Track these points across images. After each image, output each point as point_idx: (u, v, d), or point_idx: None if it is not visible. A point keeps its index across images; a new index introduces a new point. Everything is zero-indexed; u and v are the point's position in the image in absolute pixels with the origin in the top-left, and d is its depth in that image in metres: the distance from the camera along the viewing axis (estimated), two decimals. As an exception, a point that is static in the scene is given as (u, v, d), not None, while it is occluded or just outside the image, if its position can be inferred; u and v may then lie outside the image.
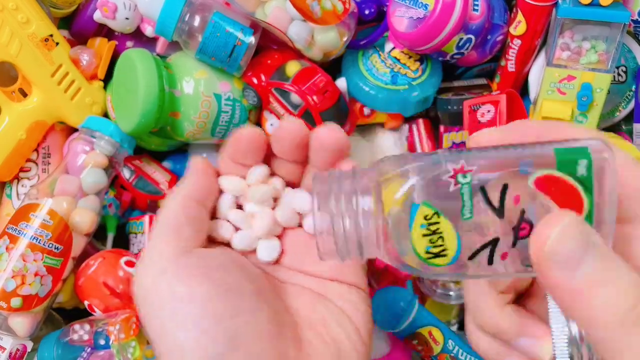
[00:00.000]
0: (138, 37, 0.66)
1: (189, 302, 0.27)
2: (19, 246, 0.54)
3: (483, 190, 0.21)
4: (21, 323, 0.55)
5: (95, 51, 0.63)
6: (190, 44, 0.56)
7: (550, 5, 0.57)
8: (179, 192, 0.31)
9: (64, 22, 0.67)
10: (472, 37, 0.57)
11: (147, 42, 0.65)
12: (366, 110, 0.64)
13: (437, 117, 0.66)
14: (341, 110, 0.57)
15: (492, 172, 0.21)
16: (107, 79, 0.64)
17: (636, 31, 0.60)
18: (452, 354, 0.52)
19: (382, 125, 0.67)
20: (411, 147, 0.67)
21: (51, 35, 0.59)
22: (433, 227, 0.21)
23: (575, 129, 0.24)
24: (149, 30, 0.63)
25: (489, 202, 0.21)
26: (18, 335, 0.55)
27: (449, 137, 0.66)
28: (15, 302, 0.53)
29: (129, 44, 0.66)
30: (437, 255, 0.22)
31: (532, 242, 0.20)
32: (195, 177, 0.31)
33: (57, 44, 0.60)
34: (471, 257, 0.22)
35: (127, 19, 0.62)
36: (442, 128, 0.66)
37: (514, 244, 0.21)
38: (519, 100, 0.61)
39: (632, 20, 0.58)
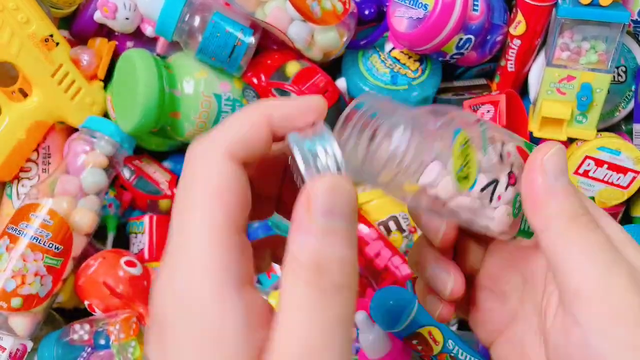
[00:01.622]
0: (138, 37, 0.66)
1: None
2: (19, 246, 0.54)
3: (491, 139, 0.27)
4: (21, 323, 0.55)
5: (95, 51, 0.63)
6: (190, 44, 0.56)
7: (550, 5, 0.57)
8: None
9: (64, 22, 0.67)
10: (472, 37, 0.57)
11: (147, 42, 0.65)
12: (366, 110, 0.64)
13: (437, 117, 0.66)
14: (341, 111, 0.57)
15: (494, 131, 0.27)
16: (108, 79, 0.64)
17: (636, 31, 0.60)
18: (452, 354, 0.52)
19: (382, 125, 0.67)
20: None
21: (51, 35, 0.59)
22: (466, 151, 0.25)
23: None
24: (149, 31, 0.63)
25: (494, 147, 0.27)
26: (18, 335, 0.55)
27: (448, 137, 0.66)
28: (16, 302, 0.53)
29: (129, 44, 0.66)
30: (464, 177, 0.26)
31: (534, 153, 0.26)
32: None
33: (57, 44, 0.60)
34: (483, 189, 0.26)
35: (127, 19, 0.61)
36: (442, 128, 0.66)
37: (506, 188, 0.26)
38: (519, 101, 0.61)
39: (632, 20, 0.58)
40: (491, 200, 0.27)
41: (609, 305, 0.23)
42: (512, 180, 0.27)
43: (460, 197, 0.26)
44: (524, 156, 0.27)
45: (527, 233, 0.28)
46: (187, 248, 0.22)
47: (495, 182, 0.26)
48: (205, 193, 0.22)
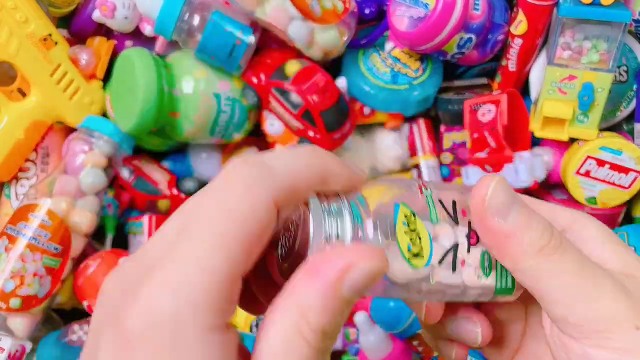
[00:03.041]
0: (137, 36, 0.65)
1: None
2: (17, 247, 0.54)
3: (440, 201, 0.25)
4: (20, 323, 0.55)
5: (94, 50, 0.63)
6: (190, 43, 0.56)
7: (551, 4, 0.57)
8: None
9: (63, 21, 0.66)
10: (473, 36, 0.57)
11: (147, 42, 0.65)
12: (366, 110, 0.64)
13: (438, 117, 0.66)
14: (341, 110, 0.57)
15: (443, 192, 0.26)
16: (106, 78, 0.64)
17: (637, 31, 0.60)
18: (453, 355, 0.52)
19: (382, 125, 0.67)
20: (412, 147, 0.67)
21: (50, 35, 0.59)
22: (412, 227, 0.24)
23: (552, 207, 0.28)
24: (148, 30, 0.62)
25: (446, 210, 0.25)
26: (17, 335, 0.55)
27: (449, 137, 0.65)
28: (14, 302, 0.53)
29: (128, 43, 0.66)
30: (416, 255, 0.24)
31: (473, 200, 0.25)
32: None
33: (56, 43, 0.60)
34: (441, 260, 0.24)
35: (126, 18, 0.61)
36: (442, 128, 0.66)
37: (468, 250, 0.25)
38: (520, 100, 0.61)
39: (633, 19, 0.58)
40: (454, 268, 0.24)
41: (599, 323, 0.23)
42: (473, 239, 0.25)
43: (418, 277, 0.24)
44: None
45: (506, 290, 0.26)
46: (188, 271, 0.19)
47: (453, 248, 0.24)
48: (240, 223, 0.19)
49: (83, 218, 0.56)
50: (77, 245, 0.57)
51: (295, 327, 0.20)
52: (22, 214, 0.55)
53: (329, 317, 0.20)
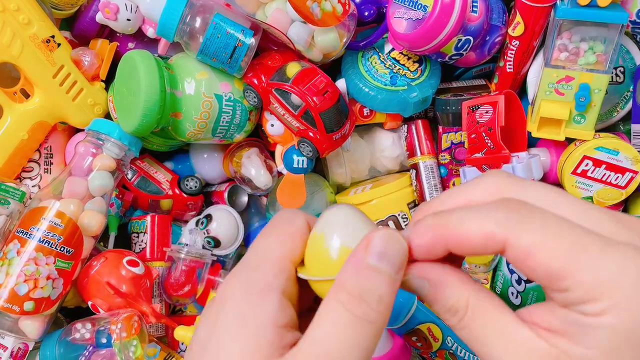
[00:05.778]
0: (140, 38, 0.66)
1: None
2: (30, 250, 0.53)
3: None
4: (32, 325, 0.54)
5: (96, 52, 0.63)
6: (192, 45, 0.56)
7: (548, 6, 0.57)
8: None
9: (66, 23, 0.67)
10: (471, 38, 0.58)
11: (149, 43, 0.66)
12: (366, 111, 0.64)
13: (436, 118, 0.67)
14: (341, 111, 0.58)
15: None
16: (109, 80, 0.64)
17: (634, 32, 0.60)
18: (451, 351, 0.52)
19: (381, 125, 0.68)
20: (410, 148, 0.68)
21: (53, 37, 0.60)
22: None
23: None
24: (150, 32, 0.63)
25: None
26: (29, 337, 0.54)
27: (447, 138, 0.66)
28: (28, 305, 0.53)
29: (130, 45, 0.66)
30: None
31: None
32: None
33: (59, 45, 0.60)
34: None
35: (128, 20, 0.62)
36: (440, 128, 0.66)
37: None
38: (517, 101, 0.61)
39: (630, 21, 0.59)
40: None
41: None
42: None
43: None
44: None
45: None
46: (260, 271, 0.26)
47: None
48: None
49: (93, 220, 0.56)
50: (87, 246, 0.57)
51: (334, 291, 0.25)
52: (32, 217, 0.55)
53: (361, 281, 0.24)
